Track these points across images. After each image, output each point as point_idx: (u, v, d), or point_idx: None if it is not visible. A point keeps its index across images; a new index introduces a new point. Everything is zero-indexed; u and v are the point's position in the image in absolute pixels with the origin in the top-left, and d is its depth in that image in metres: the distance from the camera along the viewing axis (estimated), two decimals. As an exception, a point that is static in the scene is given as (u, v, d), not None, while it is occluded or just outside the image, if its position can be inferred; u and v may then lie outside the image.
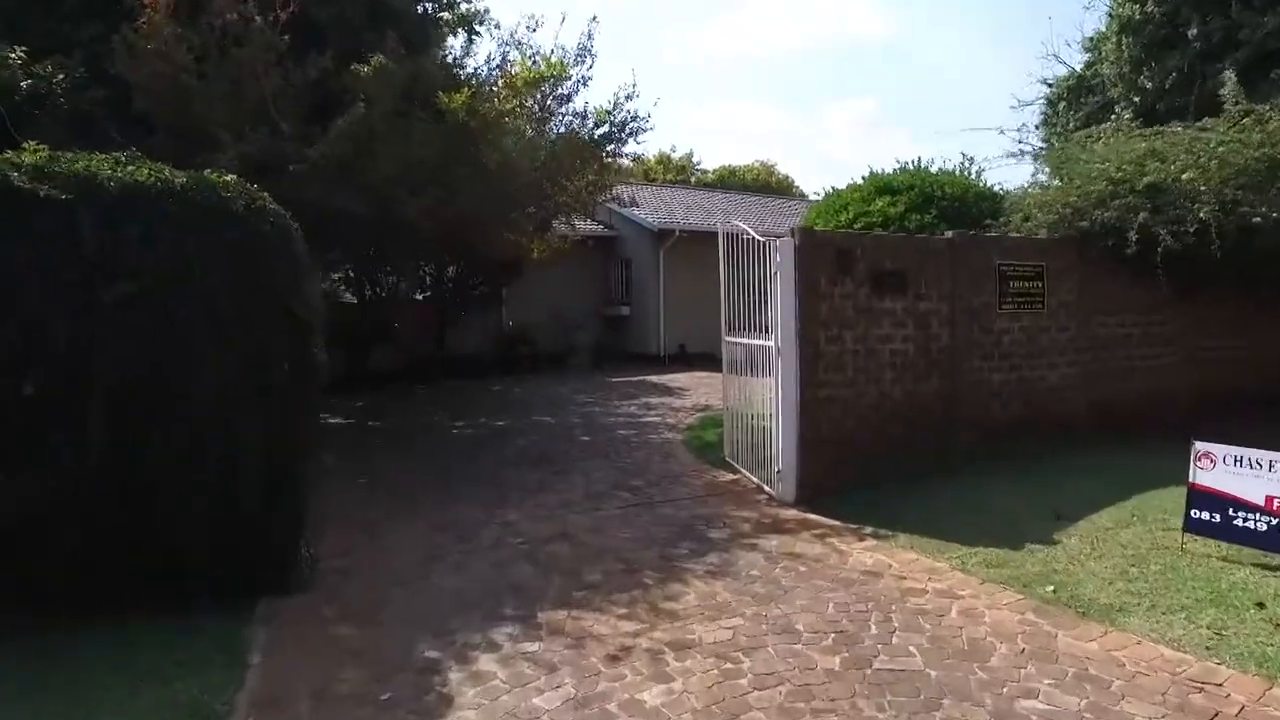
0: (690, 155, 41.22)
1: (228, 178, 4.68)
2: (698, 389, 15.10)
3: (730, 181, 37.41)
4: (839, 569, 5.12)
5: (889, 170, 11.15)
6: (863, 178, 11.20)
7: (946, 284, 7.58)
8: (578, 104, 11.01)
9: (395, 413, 13.08)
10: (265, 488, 4.54)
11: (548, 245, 16.97)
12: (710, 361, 21.69)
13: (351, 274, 18.11)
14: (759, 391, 7.57)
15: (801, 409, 6.66)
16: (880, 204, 10.08)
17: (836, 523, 6.12)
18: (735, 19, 70.98)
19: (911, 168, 10.95)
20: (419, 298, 19.39)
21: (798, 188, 40.01)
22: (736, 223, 8.01)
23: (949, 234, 7.89)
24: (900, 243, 7.69)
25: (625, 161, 12.96)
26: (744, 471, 7.78)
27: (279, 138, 7.32)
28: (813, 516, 6.31)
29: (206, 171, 4.63)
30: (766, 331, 7.14)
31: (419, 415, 12.66)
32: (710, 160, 56.41)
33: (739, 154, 75.61)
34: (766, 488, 7.09)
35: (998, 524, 5.82)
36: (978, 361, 7.81)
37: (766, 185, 37.72)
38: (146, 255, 4.23)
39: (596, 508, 6.76)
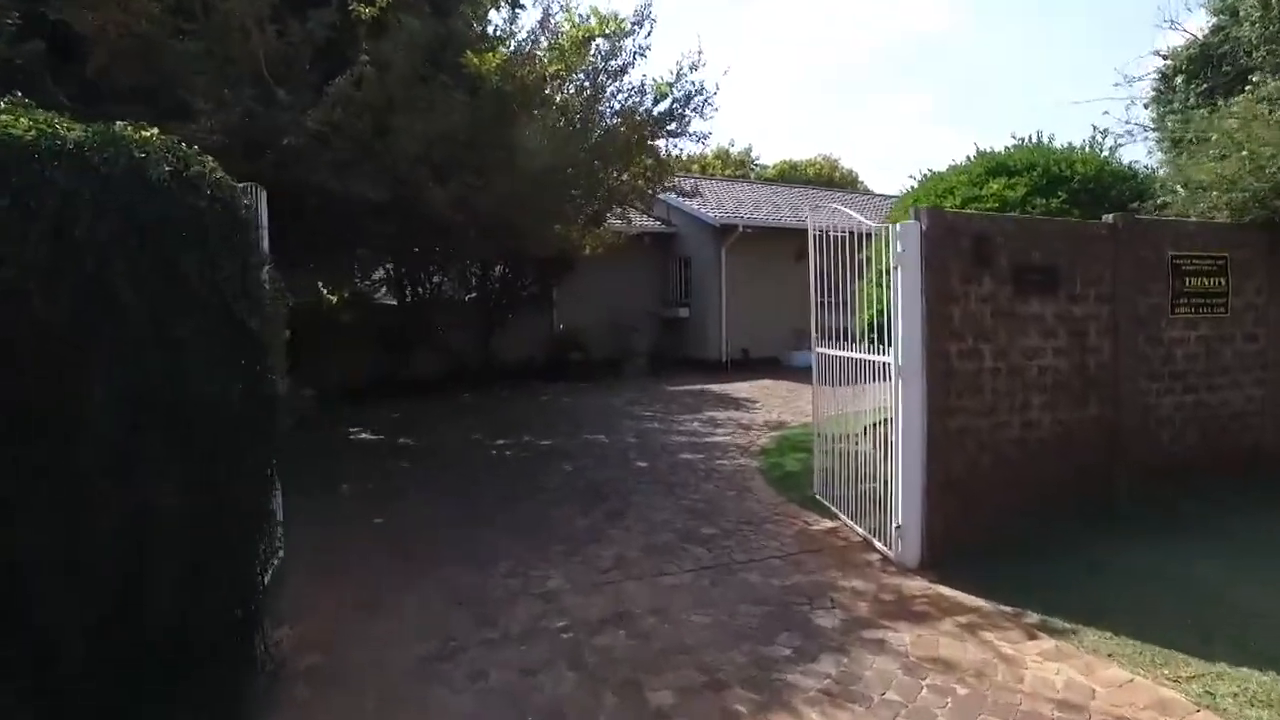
0: (749, 150, 39.53)
1: (148, 133, 3.31)
2: (767, 401, 13.52)
3: (792, 176, 35.65)
4: (1014, 692, 3.55)
5: (995, 149, 9.43)
6: (968, 157, 9.49)
7: (1106, 282, 5.92)
8: (633, 78, 9.55)
9: (431, 426, 11.80)
10: (184, 571, 3.16)
11: (600, 240, 15.60)
12: (775, 368, 20.18)
13: (391, 273, 16.95)
14: (865, 418, 6.03)
15: (929, 445, 5.09)
16: (995, 186, 8.39)
17: (983, 603, 4.54)
18: (787, 9, 68.92)
19: (1029, 144, 9.23)
20: (464, 298, 18.16)
21: (862, 183, 38.07)
22: (838, 207, 6.45)
23: (1108, 218, 6.22)
24: (1050, 229, 6.03)
25: (689, 145, 11.42)
26: (843, 518, 6.23)
27: (275, 107, 6.02)
28: (948, 592, 4.73)
29: (118, 125, 3.27)
30: (877, 343, 5.59)
31: (457, 430, 11.35)
32: (769, 155, 54.56)
33: (798, 149, 73.35)
34: (877, 543, 5.53)
35: (1233, 619, 4.15)
36: (1144, 381, 6.12)
37: (830, 180, 35.87)
38: (12, 238, 2.89)
39: (661, 570, 5.27)
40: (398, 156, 6.83)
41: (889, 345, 5.34)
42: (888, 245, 5.35)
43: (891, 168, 71.38)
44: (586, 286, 18.54)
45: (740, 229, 18.43)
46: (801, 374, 18.97)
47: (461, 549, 5.77)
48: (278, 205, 8.24)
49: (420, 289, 17.20)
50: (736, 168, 36.65)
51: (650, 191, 10.68)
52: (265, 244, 5.41)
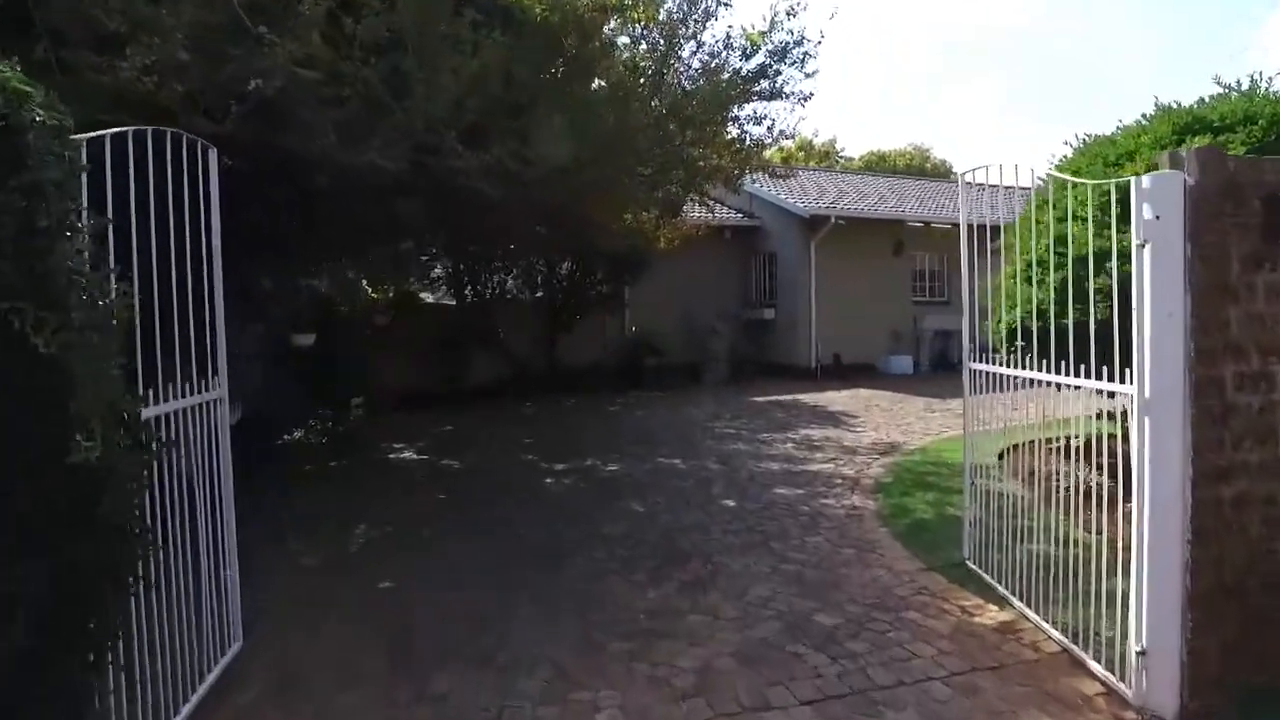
0: (833, 141, 37.25)
1: None
2: (868, 416, 11.61)
3: (880, 167, 33.33)
4: None
5: (1179, 103, 7.37)
6: (1144, 116, 7.47)
7: None
8: (717, 31, 7.82)
9: (483, 444, 10.31)
10: None
11: (678, 230, 13.91)
12: (870, 375, 18.05)
13: (449, 271, 15.61)
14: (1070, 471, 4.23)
15: (1193, 524, 3.24)
16: (1198, 145, 6.37)
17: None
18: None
19: (1235, 94, 7.14)
20: (528, 298, 16.73)
21: (956, 174, 35.38)
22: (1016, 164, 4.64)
23: None
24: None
25: (786, 111, 9.54)
26: (1018, 604, 4.39)
27: (247, 45, 4.54)
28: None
29: None
30: (1119, 366, 3.75)
31: (511, 449, 9.83)
32: (854, 147, 52.00)
33: (885, 139, 70.20)
34: (1094, 664, 3.68)
35: None
36: None
37: (921, 170, 33.39)
38: None
39: (765, 701, 3.55)
40: (415, 115, 5.29)
41: (1114, 364, 3.48)
42: (1128, 210, 3.49)
43: (980, 158, 67.50)
44: (661, 286, 16.90)
45: (832, 221, 16.51)
46: (901, 382, 16.82)
47: (481, 643, 4.15)
48: (279, 182, 6.90)
49: (481, 288, 15.84)
50: (821, 159, 34.48)
51: (738, 171, 8.93)
52: (215, 217, 3.94)
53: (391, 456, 9.77)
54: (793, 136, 9.80)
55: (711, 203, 18.29)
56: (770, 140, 8.90)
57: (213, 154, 3.85)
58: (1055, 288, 4.69)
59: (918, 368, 17.97)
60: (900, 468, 8.15)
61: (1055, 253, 6.75)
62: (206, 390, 3.78)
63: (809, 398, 14.02)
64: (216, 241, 3.93)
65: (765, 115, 8.61)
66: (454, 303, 15.77)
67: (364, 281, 12.46)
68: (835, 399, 13.79)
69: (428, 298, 16.90)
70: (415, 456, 9.69)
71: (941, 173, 34.55)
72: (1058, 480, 4.39)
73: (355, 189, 6.02)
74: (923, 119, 64.73)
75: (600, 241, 12.13)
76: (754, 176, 11.82)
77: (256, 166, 5.74)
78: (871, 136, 68.30)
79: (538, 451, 9.66)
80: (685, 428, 11.05)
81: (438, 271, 16.06)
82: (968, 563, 5.08)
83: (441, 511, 7.04)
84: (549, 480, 8.15)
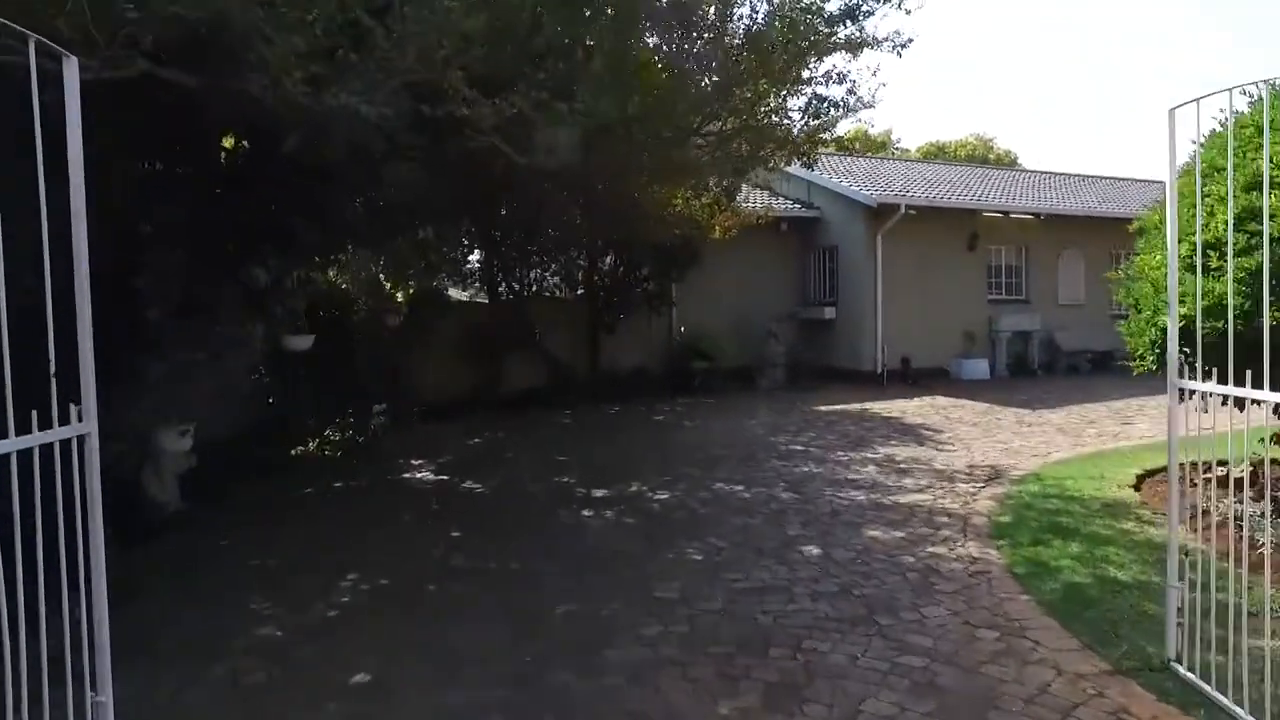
0: (889, 132, 35.38)
1: None
2: (954, 431, 10.06)
3: (939, 159, 31.44)
4: None
5: None
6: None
7: None
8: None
9: (512, 462, 8.98)
10: None
11: (735, 219, 12.47)
12: (943, 381, 15.75)
13: (481, 267, 14.35)
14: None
15: None
16: None
17: None
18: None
19: None
20: (567, 296, 15.42)
21: (1021, 164, 33.30)
22: None
23: None
24: None
25: (877, 59, 8.03)
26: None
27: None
28: None
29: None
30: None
31: (544, 468, 8.49)
32: (911, 138, 50.02)
33: (944, 129, 67.71)
34: None
35: None
36: None
37: (985, 162, 31.42)
38: None
39: None
40: (406, 44, 3.95)
41: None
42: None
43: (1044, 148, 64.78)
44: (711, 283, 15.49)
45: (902, 210, 14.89)
46: (979, 389, 14.75)
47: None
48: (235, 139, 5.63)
49: (516, 285, 14.56)
50: (878, 150, 32.68)
51: (808, 144, 7.45)
52: (77, 169, 2.63)
53: (408, 476, 8.48)
54: (873, 104, 8.29)
55: (764, 190, 16.83)
56: (851, 106, 7.41)
57: (70, 64, 2.53)
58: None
59: (994, 372, 16.27)
60: (1016, 502, 6.61)
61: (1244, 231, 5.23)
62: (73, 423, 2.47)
63: (879, 407, 12.48)
64: (80, 203, 2.60)
65: (846, 73, 7.11)
66: (486, 300, 14.51)
67: (382, 276, 11.20)
68: (909, 409, 12.23)
69: (458, 295, 15.71)
70: (434, 477, 8.39)
71: (1008, 163, 32.54)
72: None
73: (331, 149, 4.70)
74: (994, 107, 62.27)
75: (647, 231, 10.76)
76: (818, 156, 10.41)
77: (207, 120, 4.47)
78: (930, 127, 66.06)
79: (575, 472, 8.30)
80: (744, 443, 9.61)
81: (471, 266, 14.86)
82: (1176, 666, 3.58)
83: (453, 558, 5.69)
84: (587, 513, 6.77)
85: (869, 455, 8.75)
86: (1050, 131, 62.40)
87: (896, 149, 35.11)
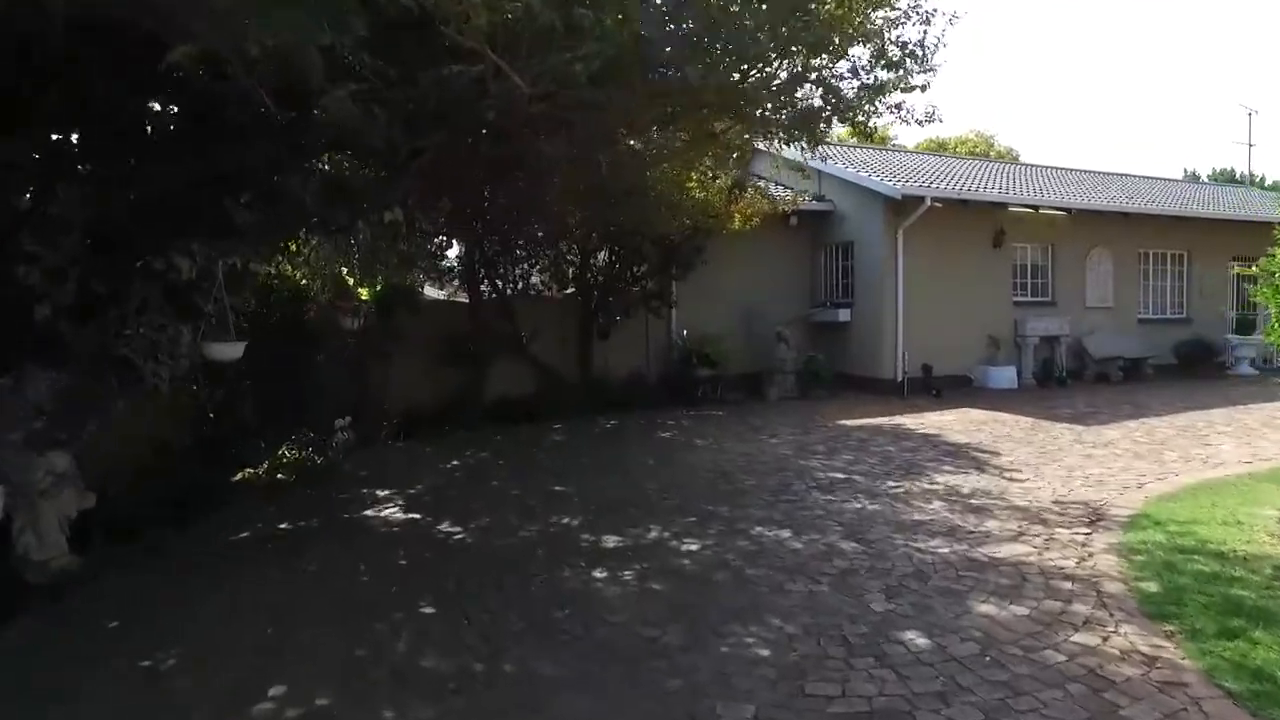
0: (888, 127, 34.09)
1: None
2: (1010, 452, 8.65)
3: (943, 155, 30.19)
4: None
5: None
6: None
7: None
8: None
9: (496, 495, 7.45)
10: None
11: (755, 210, 11.00)
12: (968, 391, 14.20)
13: (460, 262, 12.79)
14: None
15: None
16: None
17: None
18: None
19: None
20: (557, 295, 13.90)
21: (1025, 163, 32.17)
22: None
23: None
24: None
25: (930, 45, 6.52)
26: None
27: None
28: None
29: None
30: None
31: (535, 506, 6.97)
32: (908, 134, 48.89)
33: (942, 126, 66.75)
34: None
35: None
36: None
37: (986, 159, 30.22)
38: None
39: None
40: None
41: None
42: None
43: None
44: (714, 282, 14.01)
45: (927, 203, 13.50)
46: (1011, 400, 13.09)
47: None
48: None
49: (500, 282, 13.00)
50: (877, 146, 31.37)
51: (880, 98, 5.97)
52: None
53: (370, 514, 6.92)
54: (935, 69, 6.85)
55: (768, 182, 15.36)
56: (923, 59, 5.94)
57: None
58: None
59: (1020, 381, 14.91)
60: (1149, 559, 5.17)
61: None
62: None
63: (910, 421, 11.06)
64: None
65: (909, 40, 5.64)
66: (467, 300, 12.94)
67: (346, 270, 9.60)
68: (945, 424, 10.82)
69: (436, 293, 14.15)
70: (403, 515, 6.82)
71: (1008, 161, 31.37)
72: None
73: (269, 79, 3.16)
74: (994, 104, 61.56)
75: (657, 220, 9.26)
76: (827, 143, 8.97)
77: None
78: (929, 123, 65.15)
79: (576, 509, 6.78)
80: (771, 468, 8.15)
81: (449, 262, 13.30)
82: None
83: (422, 651, 4.15)
84: (599, 573, 5.23)
85: (927, 486, 7.30)
86: (1050, 129, 61.76)
87: (894, 146, 33.83)
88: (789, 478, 7.73)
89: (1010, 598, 4.58)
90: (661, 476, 7.95)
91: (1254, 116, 39.60)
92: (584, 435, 10.79)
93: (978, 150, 31.34)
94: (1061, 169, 21.36)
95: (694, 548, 5.61)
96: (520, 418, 11.77)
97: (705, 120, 6.02)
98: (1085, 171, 21.66)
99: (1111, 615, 4.27)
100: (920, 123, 7.27)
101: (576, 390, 12.81)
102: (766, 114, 5.50)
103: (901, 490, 7.16)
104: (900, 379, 14.02)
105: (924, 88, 6.61)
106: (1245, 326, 17.49)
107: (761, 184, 13.72)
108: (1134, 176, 22.86)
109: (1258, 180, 31.91)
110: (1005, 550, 5.43)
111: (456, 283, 13.52)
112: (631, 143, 7.82)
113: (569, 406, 12.22)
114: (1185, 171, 30.80)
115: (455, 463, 9.06)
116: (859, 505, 6.66)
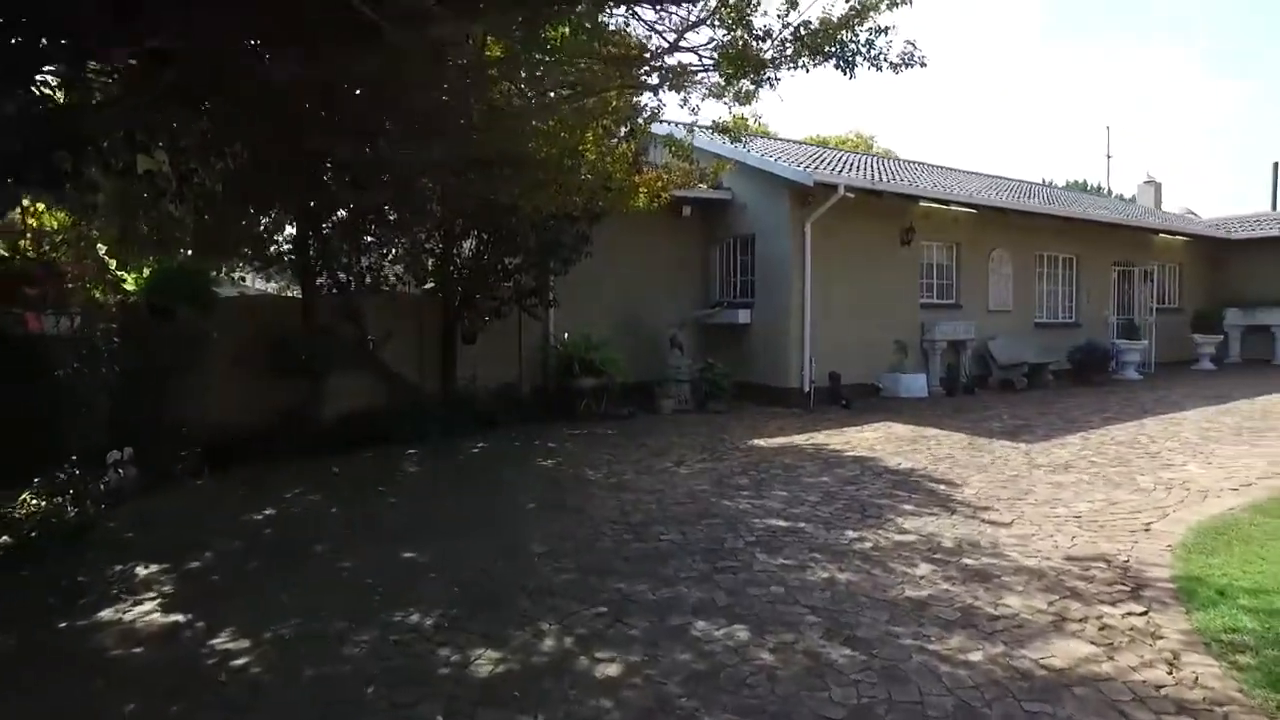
0: (767, 125, 33.13)
1: None
2: (968, 482, 7.13)
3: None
4: None
5: None
6: None
7: None
8: None
9: (322, 570, 5.25)
10: None
11: (655, 190, 9.14)
12: (880, 402, 12.92)
13: (294, 248, 10.34)
14: None
15: None
16: None
17: None
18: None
19: None
20: (412, 290, 11.64)
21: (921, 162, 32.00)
22: None
23: None
24: None
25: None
26: None
27: None
28: None
29: None
30: None
31: (377, 589, 4.84)
32: (790, 132, 48.51)
33: (816, 126, 67.55)
34: None
35: None
36: None
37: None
38: None
39: None
40: None
41: None
42: None
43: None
44: (598, 279, 12.19)
45: (840, 192, 12.09)
46: (926, 411, 11.77)
47: None
48: None
49: (343, 275, 10.63)
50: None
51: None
52: None
53: (108, 617, 4.54)
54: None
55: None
56: None
57: None
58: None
59: (930, 389, 13.78)
60: (1254, 655, 3.63)
61: None
62: None
63: (832, 441, 9.53)
64: None
65: None
66: (300, 295, 10.48)
67: (100, 248, 7.03)
68: (871, 443, 9.34)
69: (261, 286, 11.61)
70: (160, 620, 4.48)
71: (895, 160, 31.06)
72: None
73: None
74: (869, 106, 62.66)
75: (541, 198, 7.25)
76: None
77: None
78: (807, 122, 65.96)
79: (431, 597, 4.67)
80: (691, 513, 6.31)
81: (280, 247, 10.77)
82: None
83: None
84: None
85: (897, 537, 5.64)
86: (917, 135, 63.47)
87: (780, 137, 33.00)
88: (718, 529, 5.90)
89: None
90: (549, 531, 5.94)
91: (1110, 131, 41.44)
92: (446, 465, 8.64)
93: (858, 150, 30.84)
94: (956, 170, 20.76)
95: (613, 672, 3.65)
96: (367, 440, 9.49)
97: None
98: (978, 174, 21.18)
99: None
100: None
101: (437, 405, 10.60)
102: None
103: (869, 545, 5.45)
104: (807, 389, 12.57)
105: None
106: (1131, 331, 17.24)
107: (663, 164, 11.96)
108: (1026, 181, 22.77)
109: (1114, 194, 33.02)
110: (1059, 652, 3.77)
111: (289, 273, 11.02)
112: (509, 90, 5.86)
113: (428, 425, 10.01)
114: (1044, 181, 31.34)
115: (269, 512, 6.73)
116: (825, 574, 4.89)
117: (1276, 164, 28.78)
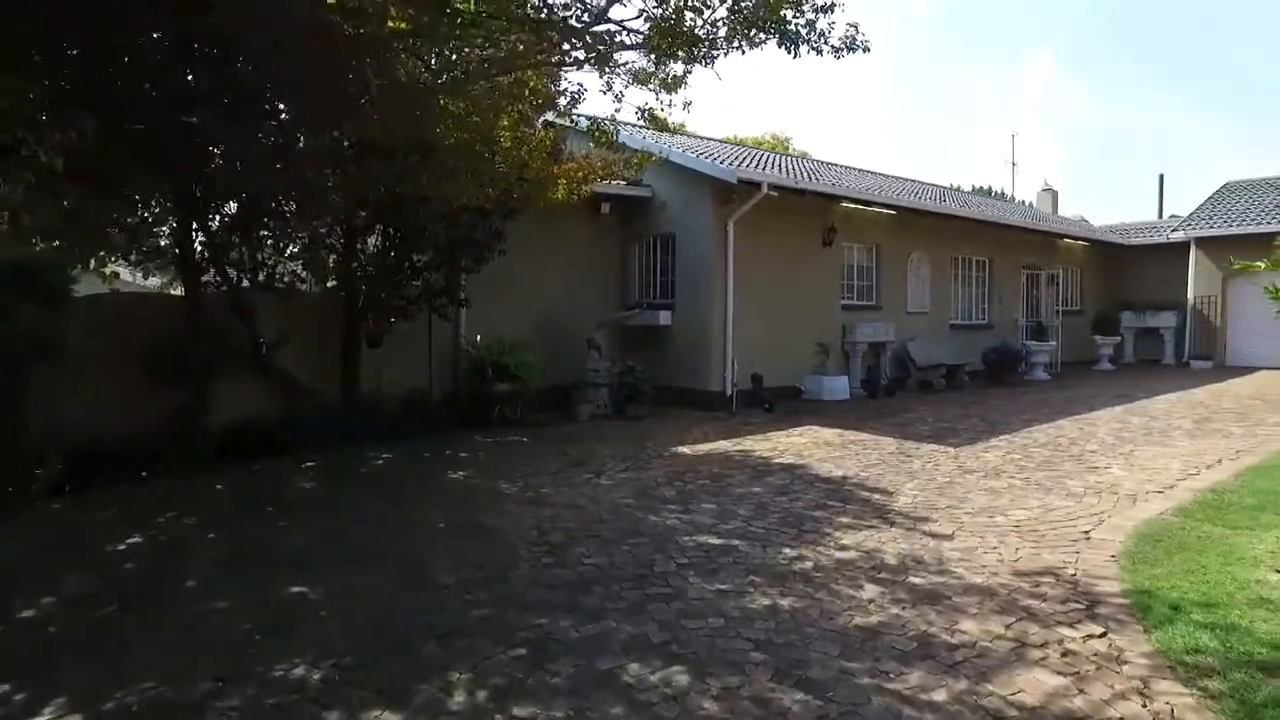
0: (683, 125, 32.92)
1: None
2: (900, 489, 6.84)
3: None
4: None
5: None
6: None
7: None
8: None
9: (193, 610, 4.53)
10: None
11: (577, 180, 8.61)
12: (802, 404, 12.62)
13: (176, 240, 9.40)
14: None
15: None
16: None
17: None
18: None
19: None
20: (311, 289, 10.80)
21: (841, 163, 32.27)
22: None
23: None
24: None
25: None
26: None
27: None
28: None
29: None
30: None
31: (254, 629, 4.17)
32: (707, 130, 48.53)
33: (731, 126, 67.90)
34: None
35: None
36: None
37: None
38: None
39: None
40: None
41: None
42: None
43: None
44: (511, 278, 11.57)
45: (764, 191, 11.82)
46: (849, 414, 11.54)
47: None
48: None
49: (233, 271, 9.73)
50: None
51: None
52: None
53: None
54: None
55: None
56: None
57: None
58: None
59: (851, 391, 13.65)
60: (1223, 680, 3.37)
61: None
62: None
63: (759, 447, 9.19)
64: None
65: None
66: (183, 292, 9.54)
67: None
68: (799, 449, 9.04)
69: (140, 282, 10.60)
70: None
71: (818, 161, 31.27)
72: None
73: None
74: (784, 107, 63.44)
75: (451, 187, 6.63)
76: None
77: None
78: (722, 121, 66.38)
79: (320, 642, 4.03)
80: (616, 531, 5.82)
81: (162, 239, 9.77)
82: None
83: None
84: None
85: (838, 555, 5.27)
86: (839, 135, 64.64)
87: (698, 135, 32.84)
88: (646, 549, 5.42)
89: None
90: (460, 557, 5.35)
91: (1015, 138, 42.75)
92: (346, 479, 7.92)
93: (777, 150, 30.94)
94: (875, 172, 20.88)
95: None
96: (260, 452, 8.67)
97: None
98: (897, 177, 21.38)
99: None
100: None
101: (338, 413, 9.81)
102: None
103: (810, 565, 5.06)
104: (729, 392, 12.24)
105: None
106: (1040, 333, 17.60)
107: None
108: (940, 185, 23.14)
109: (1019, 200, 34.05)
110: (1026, 685, 3.42)
111: (173, 268, 10.03)
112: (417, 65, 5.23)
113: (328, 435, 9.23)
114: (952, 185, 32.13)
115: (136, 539, 5.92)
116: (767, 600, 4.46)
117: (1162, 176, 30.17)
